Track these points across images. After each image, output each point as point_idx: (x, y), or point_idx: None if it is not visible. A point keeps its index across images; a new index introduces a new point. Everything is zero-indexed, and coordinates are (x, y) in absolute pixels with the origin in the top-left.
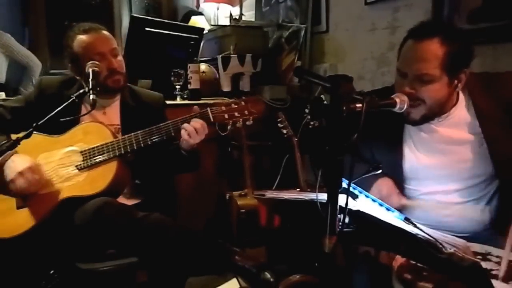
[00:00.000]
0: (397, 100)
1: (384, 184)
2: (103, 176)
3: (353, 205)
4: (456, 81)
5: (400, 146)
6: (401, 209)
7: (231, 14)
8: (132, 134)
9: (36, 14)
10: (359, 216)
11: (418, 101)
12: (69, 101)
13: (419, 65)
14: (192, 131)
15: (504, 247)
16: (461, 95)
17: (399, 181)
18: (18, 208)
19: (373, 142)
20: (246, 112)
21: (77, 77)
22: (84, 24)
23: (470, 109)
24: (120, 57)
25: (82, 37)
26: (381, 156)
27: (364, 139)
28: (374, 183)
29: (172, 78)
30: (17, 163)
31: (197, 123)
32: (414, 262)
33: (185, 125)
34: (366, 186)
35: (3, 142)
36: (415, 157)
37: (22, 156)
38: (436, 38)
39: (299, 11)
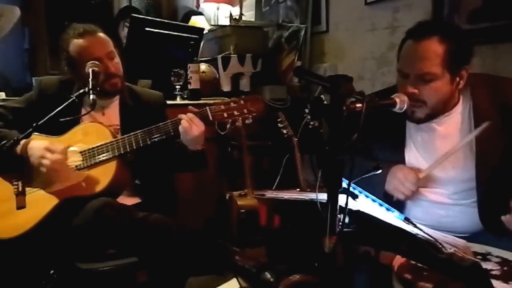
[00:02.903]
0: (397, 100)
1: (398, 169)
2: (102, 176)
3: (353, 205)
4: (457, 79)
5: (402, 146)
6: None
7: (231, 14)
8: (132, 134)
9: (36, 14)
10: (359, 216)
11: (419, 102)
12: (69, 101)
13: (420, 64)
14: (188, 121)
15: (503, 247)
16: (463, 96)
17: None
18: (18, 208)
19: (375, 143)
20: (245, 110)
21: (76, 80)
22: (79, 27)
23: (470, 110)
24: (116, 59)
25: (77, 42)
26: (383, 157)
27: (367, 140)
28: (387, 173)
29: (172, 78)
30: (35, 151)
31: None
32: (414, 262)
33: (182, 121)
34: (379, 181)
35: (3, 142)
36: (415, 157)
37: (35, 143)
38: (434, 36)
39: (299, 11)
